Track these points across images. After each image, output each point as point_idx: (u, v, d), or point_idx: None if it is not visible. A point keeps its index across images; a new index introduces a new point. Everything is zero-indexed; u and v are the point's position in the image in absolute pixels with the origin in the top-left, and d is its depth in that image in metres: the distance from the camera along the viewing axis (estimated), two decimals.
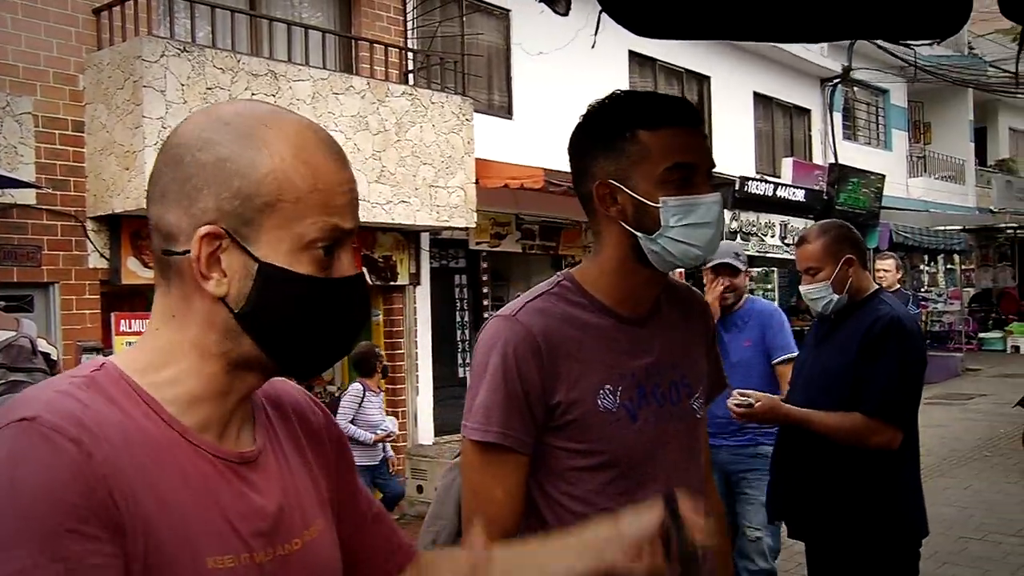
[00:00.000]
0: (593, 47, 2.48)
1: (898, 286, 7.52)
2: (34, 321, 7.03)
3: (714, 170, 1.67)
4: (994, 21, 20.74)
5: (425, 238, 9.86)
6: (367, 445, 7.12)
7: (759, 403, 3.03)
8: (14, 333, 3.37)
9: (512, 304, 1.70)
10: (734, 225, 13.86)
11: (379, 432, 7.23)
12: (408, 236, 9.58)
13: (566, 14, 2.02)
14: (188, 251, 0.98)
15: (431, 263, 10.13)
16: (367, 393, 7.25)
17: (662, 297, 1.76)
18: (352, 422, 7.10)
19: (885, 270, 7.50)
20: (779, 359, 4.26)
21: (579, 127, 1.68)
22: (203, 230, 0.97)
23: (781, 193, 14.54)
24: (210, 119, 1.02)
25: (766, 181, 14.48)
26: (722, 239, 1.74)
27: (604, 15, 2.07)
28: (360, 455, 7.15)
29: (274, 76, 7.64)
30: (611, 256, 1.67)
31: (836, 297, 3.02)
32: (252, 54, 8.11)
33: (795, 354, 4.20)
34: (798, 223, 14.47)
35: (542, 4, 2.14)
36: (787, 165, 15.96)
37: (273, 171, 0.98)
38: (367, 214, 8.24)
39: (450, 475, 2.56)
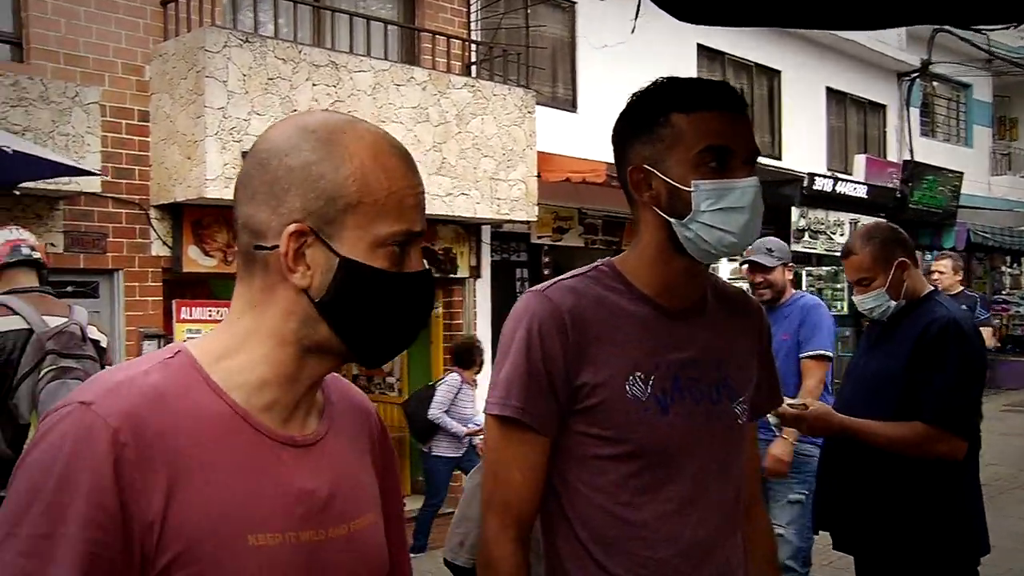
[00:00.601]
0: (632, 32, 2.38)
1: (960, 288, 7.08)
2: (99, 307, 7.21)
3: (760, 158, 1.60)
4: None
5: (486, 231, 9.80)
6: (456, 437, 7.08)
7: (812, 408, 2.88)
8: (65, 319, 3.42)
9: (546, 282, 1.68)
10: (802, 223, 13.51)
11: (471, 426, 7.17)
12: (469, 229, 9.53)
13: None
14: (276, 246, 1.09)
15: (492, 256, 10.07)
16: (463, 385, 7.21)
17: (710, 295, 1.71)
18: (446, 413, 7.07)
19: (940, 272, 7.02)
20: (806, 353, 4.12)
21: (620, 115, 1.67)
22: (291, 228, 1.08)
23: (848, 190, 14.11)
24: (296, 126, 1.13)
25: (837, 178, 14.09)
26: (765, 231, 1.66)
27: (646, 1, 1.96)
28: (447, 446, 7.12)
29: (335, 67, 7.65)
30: (648, 244, 1.64)
31: (893, 303, 2.87)
32: (315, 45, 8.14)
33: (823, 351, 4.10)
34: (869, 221, 14.02)
35: None
36: (860, 162, 15.52)
37: (354, 174, 1.09)
38: (427, 206, 8.17)
39: (477, 476, 2.49)
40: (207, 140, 6.87)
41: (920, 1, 2.11)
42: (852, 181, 14.65)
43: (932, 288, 2.97)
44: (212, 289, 8.37)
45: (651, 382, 1.58)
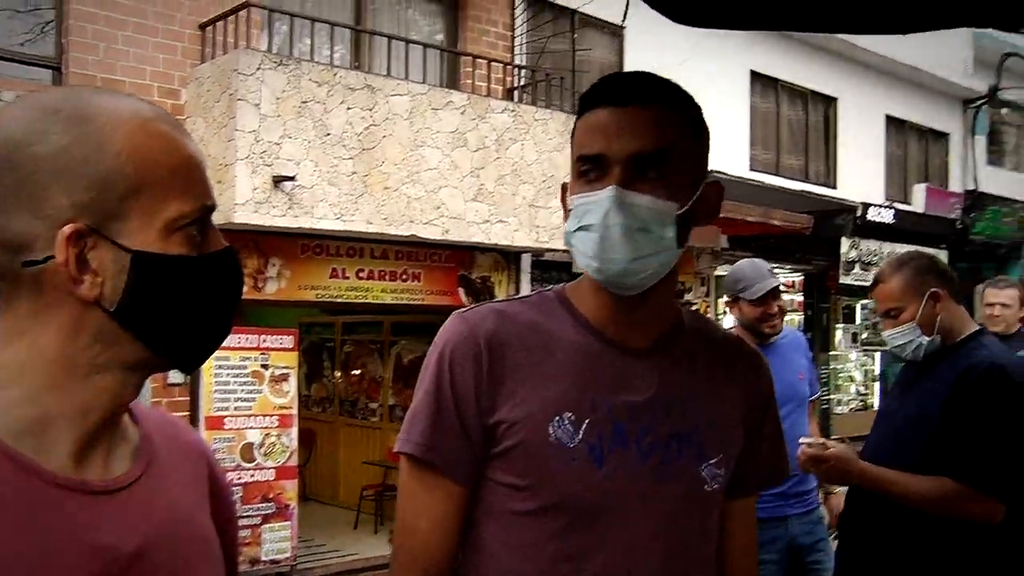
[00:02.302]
0: (624, 23, 2.14)
1: (1016, 327, 5.29)
2: None
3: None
4: None
5: (526, 259, 9.58)
6: None
7: (832, 450, 2.56)
8: None
9: (476, 304, 1.46)
10: (852, 254, 13.05)
11: None
12: (508, 257, 9.32)
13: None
14: (51, 257, 0.89)
15: (532, 285, 9.83)
16: None
17: (688, 335, 1.43)
18: None
19: (1004, 304, 5.19)
20: (817, 395, 3.75)
21: None
22: (66, 230, 0.89)
23: (903, 220, 13.60)
24: (34, 109, 0.92)
25: (892, 208, 13.60)
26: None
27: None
28: None
29: (371, 90, 7.52)
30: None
31: (926, 340, 2.55)
32: (353, 68, 8.03)
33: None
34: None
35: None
36: (919, 192, 15.00)
37: (125, 151, 0.92)
38: (463, 233, 8.04)
39: None
40: (237, 164, 6.77)
41: (959, 3, 1.84)
42: (907, 211, 14.14)
43: (978, 327, 2.64)
44: (244, 316, 8.26)
45: (584, 426, 1.32)
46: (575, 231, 1.30)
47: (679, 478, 1.35)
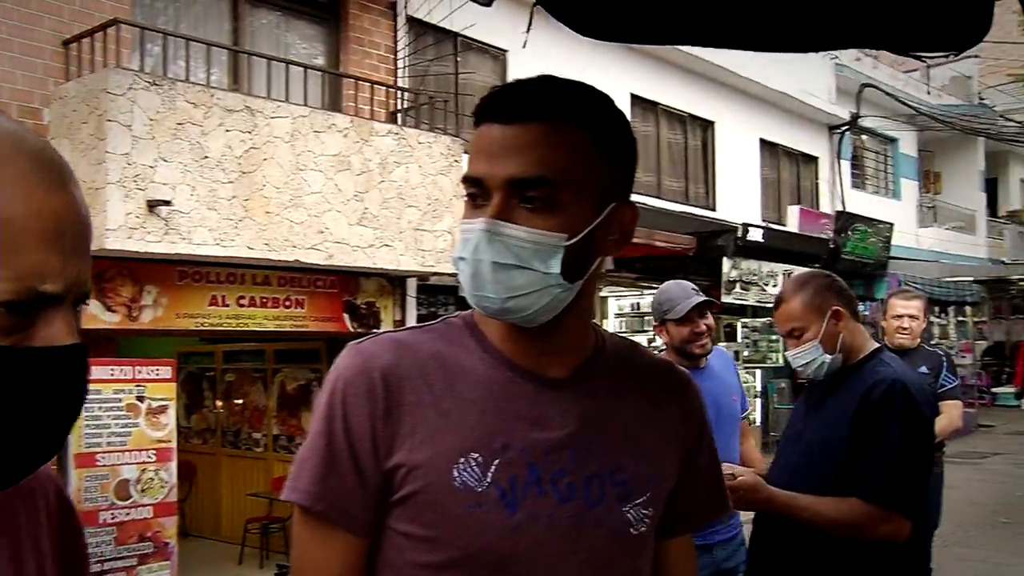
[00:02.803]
0: (524, 46, 2.12)
1: (918, 341, 5.05)
2: None
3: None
4: (1004, 70, 20.52)
5: (412, 284, 9.46)
6: None
7: (741, 477, 2.54)
8: None
9: (374, 333, 1.33)
10: (733, 274, 13.41)
11: None
12: (393, 281, 9.17)
13: (489, 4, 1.65)
14: None
15: (419, 310, 9.71)
16: None
17: (612, 364, 1.30)
18: None
19: (912, 316, 4.84)
20: (746, 414, 3.72)
21: None
22: None
23: (784, 241, 14.10)
24: None
25: (770, 228, 14.07)
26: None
27: (544, 12, 1.68)
28: None
29: (251, 112, 7.30)
30: None
31: (829, 358, 2.56)
32: (231, 89, 7.79)
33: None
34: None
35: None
36: (793, 213, 15.59)
37: None
38: (347, 258, 7.87)
39: None
40: (109, 188, 6.45)
41: (852, 23, 1.86)
42: (784, 232, 14.65)
43: (877, 345, 2.68)
44: (119, 347, 7.86)
45: (493, 468, 1.18)
46: (457, 259, 1.20)
47: (602, 522, 1.23)
